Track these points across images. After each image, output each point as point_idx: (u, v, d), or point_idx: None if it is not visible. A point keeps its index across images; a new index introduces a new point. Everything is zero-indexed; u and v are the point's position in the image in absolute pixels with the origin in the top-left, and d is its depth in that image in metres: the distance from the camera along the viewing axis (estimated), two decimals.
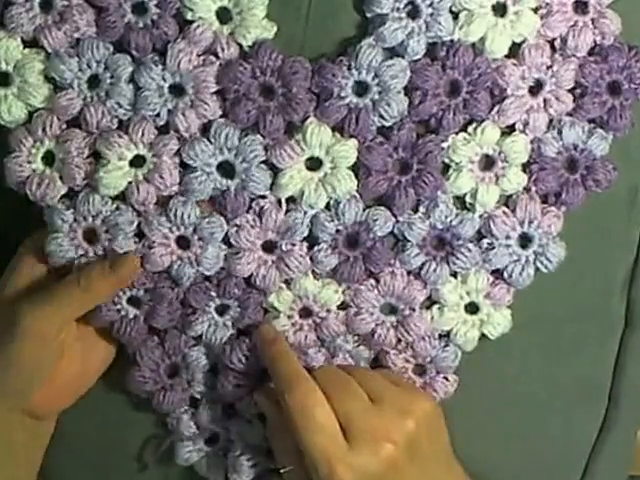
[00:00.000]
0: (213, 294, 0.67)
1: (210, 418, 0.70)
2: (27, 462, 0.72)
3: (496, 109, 0.65)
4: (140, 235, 0.66)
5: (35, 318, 0.66)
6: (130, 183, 0.65)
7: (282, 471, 0.68)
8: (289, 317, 0.68)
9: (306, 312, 0.68)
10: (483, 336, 0.69)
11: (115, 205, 0.66)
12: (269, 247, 0.67)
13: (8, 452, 0.70)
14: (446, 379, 0.70)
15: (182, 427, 0.71)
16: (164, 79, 0.64)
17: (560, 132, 0.67)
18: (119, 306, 0.68)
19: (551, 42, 0.66)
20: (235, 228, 0.66)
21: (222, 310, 0.68)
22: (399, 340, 0.69)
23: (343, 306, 0.68)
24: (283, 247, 0.66)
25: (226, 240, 0.66)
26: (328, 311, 0.68)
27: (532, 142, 0.66)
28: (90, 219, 0.66)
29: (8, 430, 0.69)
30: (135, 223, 0.66)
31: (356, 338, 0.69)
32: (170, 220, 0.66)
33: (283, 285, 0.67)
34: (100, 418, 0.73)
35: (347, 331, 0.68)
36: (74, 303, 0.66)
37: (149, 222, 0.66)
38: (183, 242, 0.66)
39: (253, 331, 0.68)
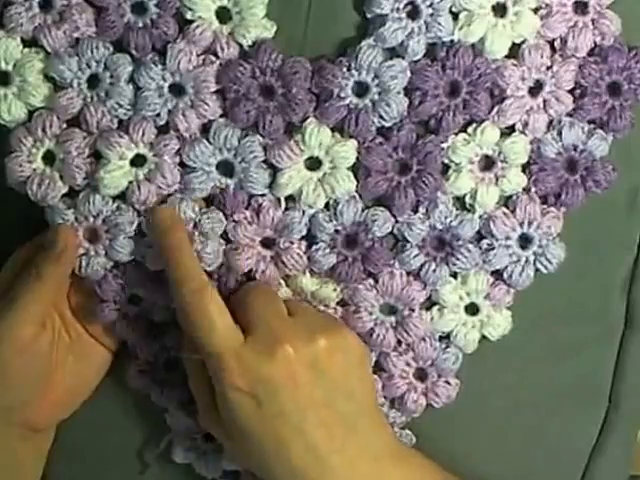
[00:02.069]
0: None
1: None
2: (27, 473, 0.72)
3: (496, 110, 0.65)
4: (141, 234, 0.66)
5: (6, 326, 0.66)
6: (131, 183, 0.65)
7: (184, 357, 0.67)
8: None
9: None
10: (483, 338, 0.69)
11: (116, 205, 0.66)
12: (267, 243, 0.67)
13: (8, 464, 0.70)
14: (448, 383, 0.70)
15: (180, 424, 0.71)
16: (164, 79, 0.64)
17: (560, 133, 0.67)
18: (120, 305, 0.68)
19: (551, 43, 0.65)
20: (233, 224, 0.66)
21: None
22: (399, 342, 0.69)
23: (342, 303, 0.68)
24: (281, 244, 0.66)
25: (225, 236, 0.66)
26: (326, 306, 0.68)
27: (532, 143, 0.66)
28: (91, 219, 0.66)
29: (7, 442, 0.69)
30: (136, 223, 0.66)
31: None
32: None
33: (282, 282, 0.67)
34: (98, 420, 0.73)
35: None
36: (35, 296, 0.66)
37: (148, 222, 0.66)
38: None
39: None
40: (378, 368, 0.69)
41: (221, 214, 0.66)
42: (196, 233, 0.66)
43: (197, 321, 0.63)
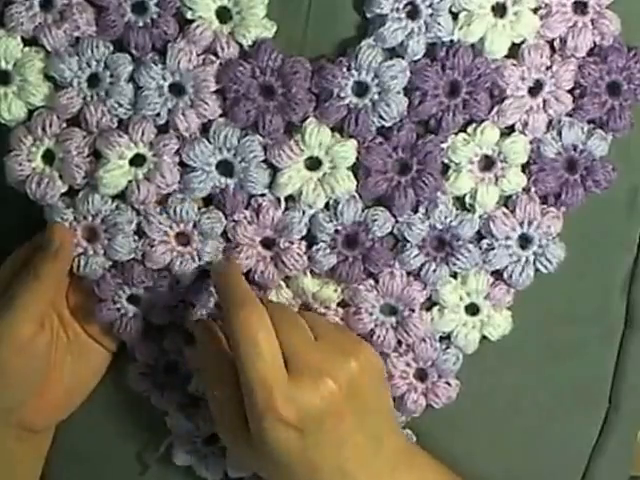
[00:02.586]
0: (212, 289, 0.67)
1: (208, 417, 0.70)
2: (25, 475, 0.72)
3: (496, 110, 0.65)
4: (140, 233, 0.66)
5: (4, 325, 0.66)
6: (130, 182, 0.65)
7: (210, 396, 0.66)
8: None
9: (305, 309, 0.68)
10: (483, 338, 0.69)
11: (115, 204, 0.66)
12: (267, 243, 0.67)
13: (5, 466, 0.70)
14: (448, 384, 0.70)
15: (180, 427, 0.70)
16: (164, 78, 0.64)
17: (560, 133, 0.67)
18: (119, 305, 0.68)
19: (550, 42, 0.65)
20: (233, 223, 0.66)
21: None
22: (399, 342, 0.69)
23: (342, 304, 0.68)
24: (281, 244, 0.66)
25: (225, 236, 0.66)
26: (327, 308, 0.68)
27: (531, 143, 0.66)
28: (90, 218, 0.66)
29: (4, 444, 0.69)
30: (135, 222, 0.66)
31: None
32: (170, 217, 0.66)
33: (282, 283, 0.67)
34: (98, 422, 0.73)
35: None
36: (33, 295, 0.66)
37: (149, 220, 0.66)
38: (183, 238, 0.66)
39: None
40: None
41: (221, 214, 0.66)
42: (195, 232, 0.66)
43: (246, 350, 0.62)
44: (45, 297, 0.66)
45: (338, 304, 0.68)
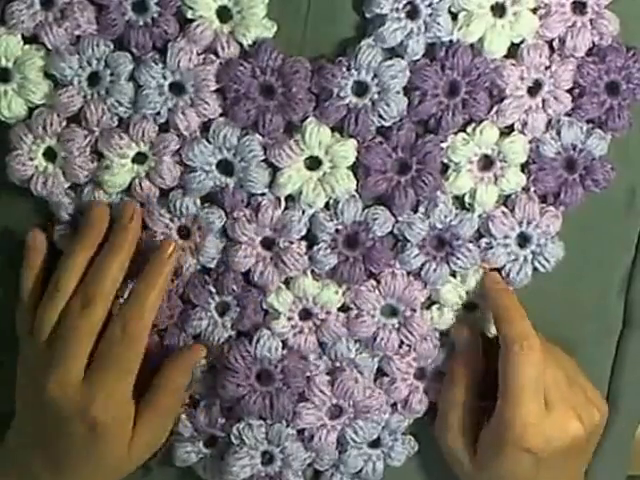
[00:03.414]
0: (212, 289, 0.67)
1: (209, 419, 0.70)
2: None
3: (495, 109, 0.66)
4: (143, 226, 0.66)
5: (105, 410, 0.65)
6: (134, 179, 0.65)
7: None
8: (289, 319, 0.68)
9: (306, 314, 0.68)
10: (482, 336, 0.70)
11: (119, 197, 0.66)
12: (267, 244, 0.67)
13: None
14: None
15: (180, 428, 0.70)
16: (164, 77, 0.64)
17: (559, 132, 0.67)
18: (122, 300, 0.68)
19: (550, 42, 0.66)
20: (232, 221, 0.66)
21: (222, 310, 0.68)
22: (401, 343, 0.69)
23: (344, 308, 0.68)
24: (280, 244, 0.66)
25: (225, 233, 0.66)
26: (328, 313, 0.68)
27: (531, 142, 0.67)
28: None
29: None
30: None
31: (357, 346, 0.69)
32: (170, 211, 0.66)
33: (282, 285, 0.67)
34: None
35: (348, 334, 0.68)
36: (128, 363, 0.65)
37: (151, 213, 0.66)
38: (184, 232, 0.66)
39: (252, 333, 0.68)
40: (380, 374, 0.69)
41: (221, 210, 0.66)
42: (195, 227, 0.66)
43: (516, 359, 0.65)
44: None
45: (339, 308, 0.68)
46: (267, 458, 0.70)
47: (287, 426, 0.69)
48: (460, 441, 0.69)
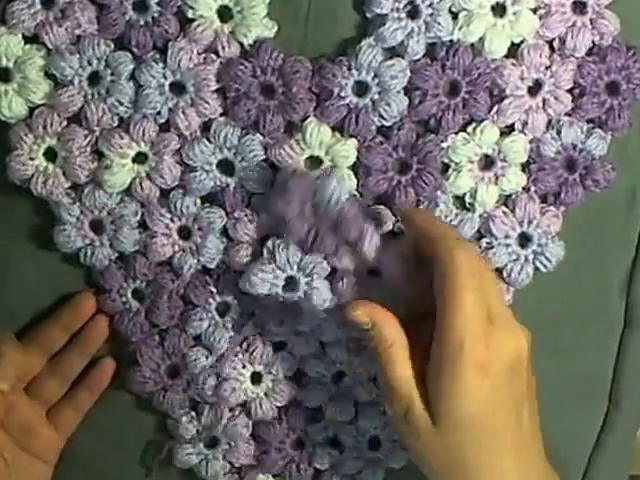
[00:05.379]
0: (212, 289, 0.67)
1: (209, 421, 0.69)
2: None
3: (495, 109, 0.66)
4: (143, 226, 0.67)
5: None
6: (134, 178, 0.66)
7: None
8: None
9: None
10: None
11: (120, 197, 0.66)
12: None
13: None
14: None
15: (181, 430, 0.70)
16: (165, 77, 0.64)
17: (559, 132, 0.67)
18: (124, 298, 0.68)
19: (550, 42, 0.66)
20: (233, 221, 0.66)
21: (223, 311, 0.68)
22: None
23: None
24: None
25: (226, 233, 0.66)
26: None
27: (531, 142, 0.67)
28: (96, 211, 0.66)
29: None
30: (139, 213, 0.66)
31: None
32: (171, 211, 0.66)
33: None
34: (100, 425, 0.72)
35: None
36: None
37: (151, 213, 0.66)
38: (184, 232, 0.67)
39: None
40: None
41: (222, 210, 0.66)
42: (195, 227, 0.66)
43: (464, 283, 0.60)
44: None
45: None
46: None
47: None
48: (408, 373, 0.62)
